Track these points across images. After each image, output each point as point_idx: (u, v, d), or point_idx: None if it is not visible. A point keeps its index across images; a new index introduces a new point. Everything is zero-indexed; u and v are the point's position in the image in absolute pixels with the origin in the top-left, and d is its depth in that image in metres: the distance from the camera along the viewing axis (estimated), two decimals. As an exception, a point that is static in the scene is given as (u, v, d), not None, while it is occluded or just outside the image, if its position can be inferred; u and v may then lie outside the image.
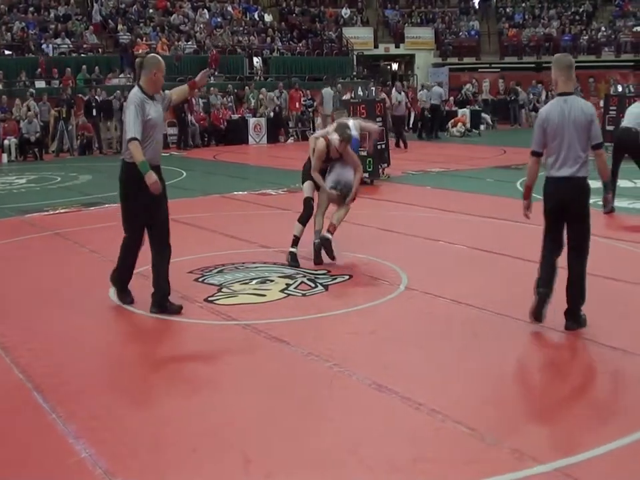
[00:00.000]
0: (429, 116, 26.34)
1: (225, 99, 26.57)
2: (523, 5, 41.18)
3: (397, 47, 38.66)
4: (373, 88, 17.06)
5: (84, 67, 25.80)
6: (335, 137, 8.39)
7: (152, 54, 7.49)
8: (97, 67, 26.18)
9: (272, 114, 26.57)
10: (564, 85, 6.09)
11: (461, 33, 39.54)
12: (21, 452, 4.21)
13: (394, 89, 24.28)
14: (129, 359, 5.67)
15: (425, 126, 26.62)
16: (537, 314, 5.86)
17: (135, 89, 6.52)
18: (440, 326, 6.27)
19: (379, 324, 6.31)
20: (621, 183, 13.70)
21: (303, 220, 8.52)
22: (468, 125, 27.46)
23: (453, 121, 27.46)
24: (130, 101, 6.45)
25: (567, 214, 5.82)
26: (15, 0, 28.95)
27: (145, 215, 6.56)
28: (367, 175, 14.88)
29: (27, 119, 21.34)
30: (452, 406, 4.62)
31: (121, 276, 6.94)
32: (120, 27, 29.57)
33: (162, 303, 6.62)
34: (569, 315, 5.96)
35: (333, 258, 8.27)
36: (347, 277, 7.79)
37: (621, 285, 7.29)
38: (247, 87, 27.77)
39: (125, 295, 6.97)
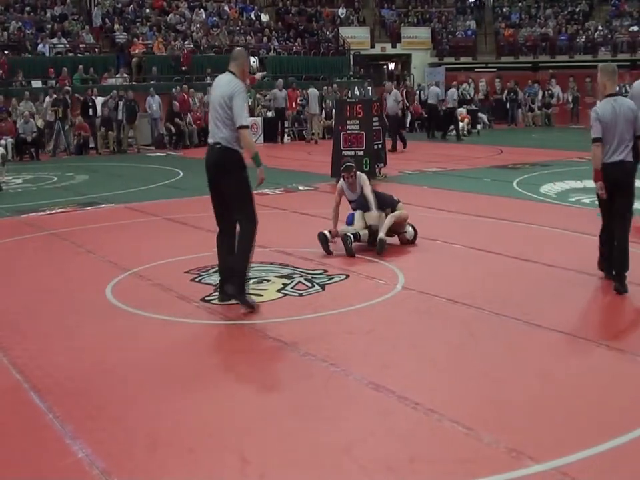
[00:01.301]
0: (440, 114, 26.22)
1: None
2: (520, 4, 41.16)
3: (394, 46, 38.64)
4: (370, 87, 17.06)
5: (80, 66, 25.78)
6: None
7: (239, 47, 7.63)
8: (92, 67, 26.14)
9: (269, 113, 26.55)
10: (611, 88, 7.43)
11: (457, 33, 39.53)
12: (18, 452, 4.20)
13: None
14: (125, 359, 5.66)
15: (440, 126, 26.48)
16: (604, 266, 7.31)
17: (233, 77, 6.63)
18: (437, 325, 6.27)
19: (376, 324, 6.32)
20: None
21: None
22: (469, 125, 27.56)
23: (459, 117, 27.48)
24: (239, 88, 6.52)
25: (616, 190, 6.99)
26: (12, -1, 28.98)
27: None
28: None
29: (24, 119, 21.34)
30: (448, 405, 4.62)
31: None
32: (116, 26, 29.56)
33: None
34: (616, 278, 6.99)
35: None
36: (344, 276, 7.79)
37: (611, 283, 7.30)
38: None
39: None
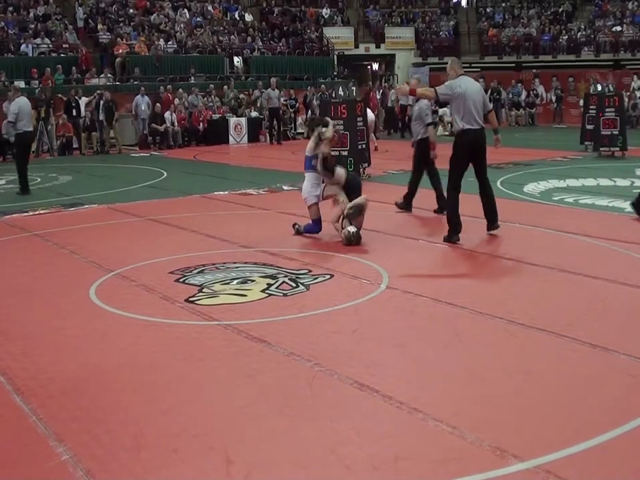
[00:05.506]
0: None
1: (208, 98, 26.47)
2: (503, 4, 41.33)
3: (378, 46, 38.72)
4: (354, 88, 17.07)
5: (59, 66, 25.59)
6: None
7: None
8: (74, 67, 25.99)
9: (253, 114, 26.54)
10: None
11: (441, 33, 39.63)
12: (2, 455, 4.18)
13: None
14: (109, 360, 5.63)
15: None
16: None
17: (470, 77, 9.51)
18: (421, 325, 6.29)
19: (360, 323, 6.32)
20: (601, 181, 13.77)
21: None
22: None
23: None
24: (481, 85, 9.58)
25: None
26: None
27: None
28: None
29: (6, 120, 21.16)
30: (433, 404, 4.63)
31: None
32: (100, 26, 29.42)
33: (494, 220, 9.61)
34: None
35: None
36: (328, 276, 7.79)
37: (597, 282, 7.34)
38: (225, 86, 27.69)
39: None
